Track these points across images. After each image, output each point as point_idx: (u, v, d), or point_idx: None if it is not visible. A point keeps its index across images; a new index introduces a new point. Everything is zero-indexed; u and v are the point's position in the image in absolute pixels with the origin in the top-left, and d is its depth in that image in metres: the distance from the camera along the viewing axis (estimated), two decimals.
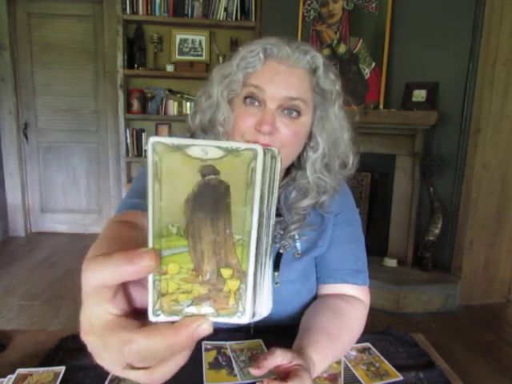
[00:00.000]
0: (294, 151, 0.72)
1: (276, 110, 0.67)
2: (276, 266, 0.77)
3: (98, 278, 0.24)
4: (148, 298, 0.25)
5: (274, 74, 0.68)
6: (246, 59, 0.69)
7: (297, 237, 0.78)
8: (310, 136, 0.74)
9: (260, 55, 0.68)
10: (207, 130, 0.75)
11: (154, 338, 0.24)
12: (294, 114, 0.68)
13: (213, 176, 0.24)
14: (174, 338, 0.24)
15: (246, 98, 0.69)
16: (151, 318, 0.25)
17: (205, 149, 0.24)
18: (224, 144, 0.24)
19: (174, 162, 0.24)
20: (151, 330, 0.24)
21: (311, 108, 0.71)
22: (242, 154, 0.24)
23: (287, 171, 0.81)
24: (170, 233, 0.25)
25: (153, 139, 0.24)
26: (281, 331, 0.72)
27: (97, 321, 0.25)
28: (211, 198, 0.24)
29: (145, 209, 0.25)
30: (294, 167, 0.79)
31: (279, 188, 0.79)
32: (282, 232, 0.78)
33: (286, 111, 0.68)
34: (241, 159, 0.24)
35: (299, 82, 0.68)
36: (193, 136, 0.78)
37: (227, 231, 0.25)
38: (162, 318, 0.25)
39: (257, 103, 0.68)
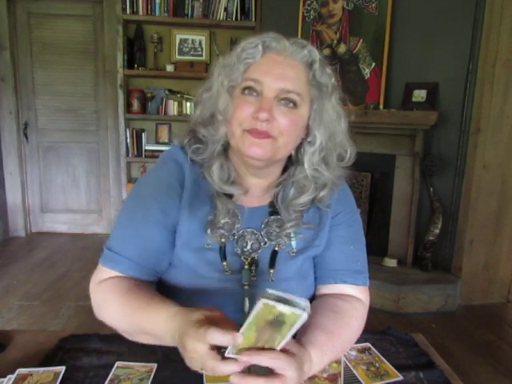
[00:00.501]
0: (292, 141, 0.74)
1: (273, 100, 0.69)
2: (271, 264, 0.77)
3: (208, 340, 0.50)
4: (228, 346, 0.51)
5: (271, 66, 0.70)
6: (245, 50, 0.71)
7: (292, 235, 0.78)
8: (308, 131, 0.75)
9: (259, 47, 0.71)
10: (207, 124, 0.76)
11: (225, 370, 0.51)
12: (291, 104, 0.70)
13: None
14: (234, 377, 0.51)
15: (244, 89, 0.71)
16: (227, 354, 0.51)
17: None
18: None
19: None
20: (225, 364, 0.51)
21: (307, 101, 0.73)
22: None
23: (285, 168, 0.81)
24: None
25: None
26: None
27: (199, 350, 0.51)
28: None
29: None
30: (292, 163, 0.79)
31: (278, 185, 0.80)
32: (277, 230, 0.78)
33: (282, 101, 0.70)
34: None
35: (295, 75, 0.71)
36: (194, 133, 0.79)
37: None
38: (231, 355, 0.51)
39: (255, 93, 0.70)
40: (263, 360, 0.51)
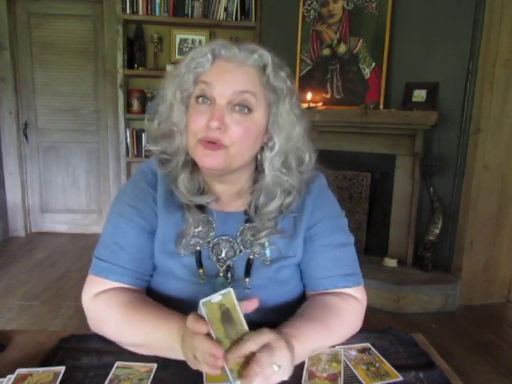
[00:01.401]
0: (247, 148, 0.72)
1: (226, 107, 0.68)
2: (246, 272, 0.77)
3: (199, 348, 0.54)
4: None
5: (222, 72, 0.70)
6: (195, 60, 0.71)
7: (266, 244, 0.78)
8: (267, 135, 0.75)
9: (208, 55, 0.70)
10: (166, 137, 0.77)
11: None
12: (246, 110, 0.69)
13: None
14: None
15: (197, 97, 0.70)
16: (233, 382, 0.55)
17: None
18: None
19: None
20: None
21: (263, 104, 0.72)
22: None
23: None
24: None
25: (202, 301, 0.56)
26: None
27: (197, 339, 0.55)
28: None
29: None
30: (257, 170, 0.79)
31: (252, 193, 0.79)
32: (251, 238, 0.78)
33: (236, 107, 0.69)
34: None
35: (247, 78, 0.70)
36: (155, 142, 0.80)
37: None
38: (237, 381, 0.54)
39: (208, 102, 0.69)
40: (251, 346, 0.54)
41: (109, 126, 3.54)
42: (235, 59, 0.70)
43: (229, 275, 0.77)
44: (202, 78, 0.70)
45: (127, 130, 3.37)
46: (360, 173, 2.78)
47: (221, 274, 0.77)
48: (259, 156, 0.77)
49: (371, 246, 2.79)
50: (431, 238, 2.53)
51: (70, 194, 3.69)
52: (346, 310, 0.75)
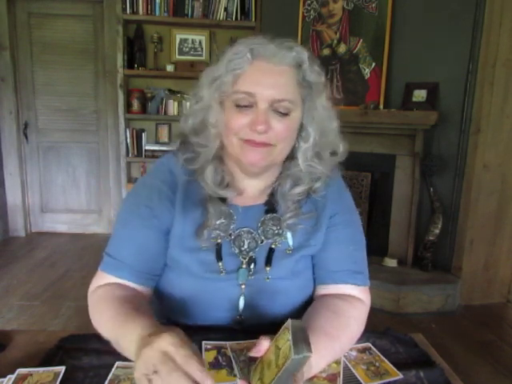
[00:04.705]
0: (289, 145, 0.76)
1: (267, 110, 0.70)
2: (268, 261, 0.78)
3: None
4: None
5: (261, 75, 0.71)
6: (233, 60, 0.71)
7: (289, 235, 0.79)
8: (301, 127, 0.77)
9: (247, 56, 0.70)
10: (199, 132, 0.77)
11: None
12: (283, 113, 0.72)
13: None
14: None
15: (237, 105, 0.72)
16: None
17: None
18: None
19: None
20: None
21: (299, 103, 0.74)
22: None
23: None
24: None
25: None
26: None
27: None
28: None
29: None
30: (287, 157, 0.80)
31: (275, 181, 0.81)
32: (274, 228, 0.78)
33: (275, 110, 0.71)
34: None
35: (287, 82, 0.71)
36: (185, 139, 0.80)
37: None
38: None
39: (248, 106, 0.71)
40: None
41: (109, 126, 3.54)
42: (274, 58, 0.71)
43: (251, 266, 0.77)
44: (241, 83, 0.71)
45: (127, 130, 3.37)
46: (360, 173, 2.78)
47: (243, 266, 0.77)
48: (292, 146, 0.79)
49: (371, 246, 2.73)
50: (431, 237, 2.53)
51: (70, 194, 3.69)
52: (355, 318, 0.74)
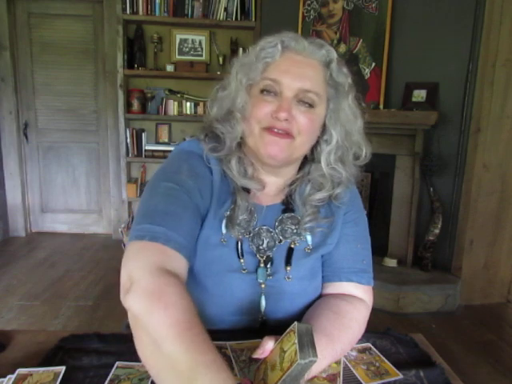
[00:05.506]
0: (309, 140, 0.75)
1: (292, 99, 0.71)
2: (287, 261, 0.77)
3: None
4: None
5: (290, 64, 0.71)
6: (264, 49, 0.73)
7: (308, 233, 0.78)
8: (324, 129, 0.77)
9: (278, 46, 0.72)
10: (224, 121, 0.76)
11: None
12: (309, 105, 0.72)
13: None
14: None
15: (262, 90, 0.72)
16: None
17: None
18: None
19: None
20: None
21: (324, 100, 0.74)
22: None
23: (300, 166, 0.82)
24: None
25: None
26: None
27: None
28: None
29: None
30: (308, 161, 0.80)
31: (293, 183, 0.80)
32: (292, 227, 0.78)
33: (301, 101, 0.71)
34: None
35: (314, 75, 0.72)
36: (208, 128, 0.79)
37: None
38: None
39: (273, 94, 0.72)
40: None
41: (109, 126, 3.54)
42: (304, 52, 0.72)
43: (268, 266, 0.76)
44: (270, 71, 0.72)
45: (127, 130, 3.37)
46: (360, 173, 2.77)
47: (261, 265, 0.76)
48: (314, 149, 0.79)
49: (371, 246, 2.79)
50: (431, 237, 2.53)
51: (70, 194, 3.69)
52: (357, 319, 0.74)
